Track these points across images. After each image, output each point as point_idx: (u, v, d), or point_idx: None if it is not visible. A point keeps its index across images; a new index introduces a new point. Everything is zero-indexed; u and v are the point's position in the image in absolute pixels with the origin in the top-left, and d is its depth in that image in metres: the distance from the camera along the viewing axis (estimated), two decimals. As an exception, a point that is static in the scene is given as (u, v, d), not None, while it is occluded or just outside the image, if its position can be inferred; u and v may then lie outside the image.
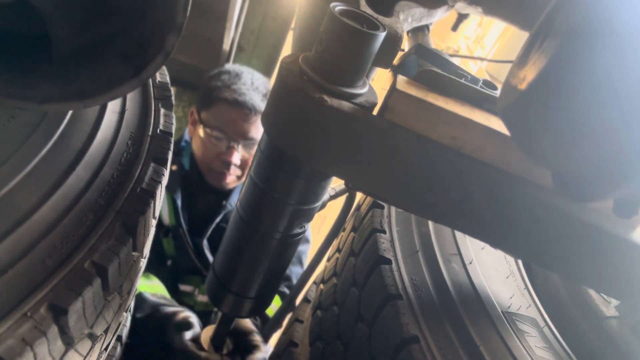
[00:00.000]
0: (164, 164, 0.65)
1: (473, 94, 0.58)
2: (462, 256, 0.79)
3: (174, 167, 1.59)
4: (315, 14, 0.66)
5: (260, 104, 1.53)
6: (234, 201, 1.62)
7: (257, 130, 1.54)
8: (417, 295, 0.67)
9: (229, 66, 1.65)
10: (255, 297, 0.81)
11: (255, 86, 1.56)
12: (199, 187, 1.64)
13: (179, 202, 1.57)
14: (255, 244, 0.73)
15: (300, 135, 0.56)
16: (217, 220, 1.62)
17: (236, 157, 1.53)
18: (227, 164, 1.54)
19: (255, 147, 1.51)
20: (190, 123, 1.66)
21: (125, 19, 0.61)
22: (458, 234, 0.83)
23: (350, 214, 0.91)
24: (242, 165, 1.59)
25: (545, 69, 0.39)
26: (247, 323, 1.22)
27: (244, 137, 1.53)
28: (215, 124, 1.52)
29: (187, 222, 1.60)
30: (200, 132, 1.56)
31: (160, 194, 0.66)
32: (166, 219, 1.57)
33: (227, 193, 1.66)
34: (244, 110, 1.50)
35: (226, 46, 1.91)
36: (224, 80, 1.54)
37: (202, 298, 1.65)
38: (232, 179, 1.60)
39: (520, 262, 0.87)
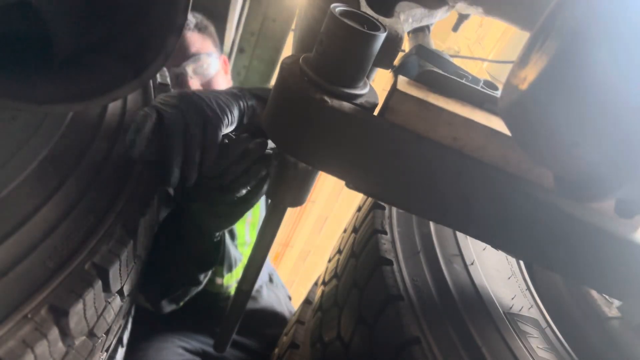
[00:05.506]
0: (165, 165, 0.65)
1: (474, 94, 0.58)
2: (464, 257, 0.78)
3: None
4: (316, 15, 0.66)
5: (192, 18, 1.30)
6: None
7: (197, 44, 1.27)
8: (418, 296, 0.67)
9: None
10: None
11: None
12: None
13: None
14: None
15: (301, 136, 0.56)
16: None
17: (193, 84, 1.25)
18: None
19: (208, 61, 1.26)
20: None
21: (125, 20, 0.61)
22: (459, 234, 0.83)
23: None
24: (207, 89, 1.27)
25: (546, 69, 0.39)
26: None
27: (186, 58, 1.24)
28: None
29: None
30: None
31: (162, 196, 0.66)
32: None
33: None
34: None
35: (226, 48, 1.91)
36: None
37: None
38: None
39: (521, 262, 0.87)
